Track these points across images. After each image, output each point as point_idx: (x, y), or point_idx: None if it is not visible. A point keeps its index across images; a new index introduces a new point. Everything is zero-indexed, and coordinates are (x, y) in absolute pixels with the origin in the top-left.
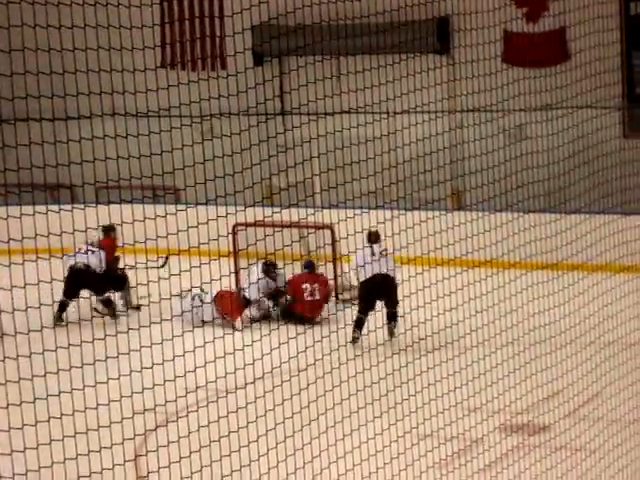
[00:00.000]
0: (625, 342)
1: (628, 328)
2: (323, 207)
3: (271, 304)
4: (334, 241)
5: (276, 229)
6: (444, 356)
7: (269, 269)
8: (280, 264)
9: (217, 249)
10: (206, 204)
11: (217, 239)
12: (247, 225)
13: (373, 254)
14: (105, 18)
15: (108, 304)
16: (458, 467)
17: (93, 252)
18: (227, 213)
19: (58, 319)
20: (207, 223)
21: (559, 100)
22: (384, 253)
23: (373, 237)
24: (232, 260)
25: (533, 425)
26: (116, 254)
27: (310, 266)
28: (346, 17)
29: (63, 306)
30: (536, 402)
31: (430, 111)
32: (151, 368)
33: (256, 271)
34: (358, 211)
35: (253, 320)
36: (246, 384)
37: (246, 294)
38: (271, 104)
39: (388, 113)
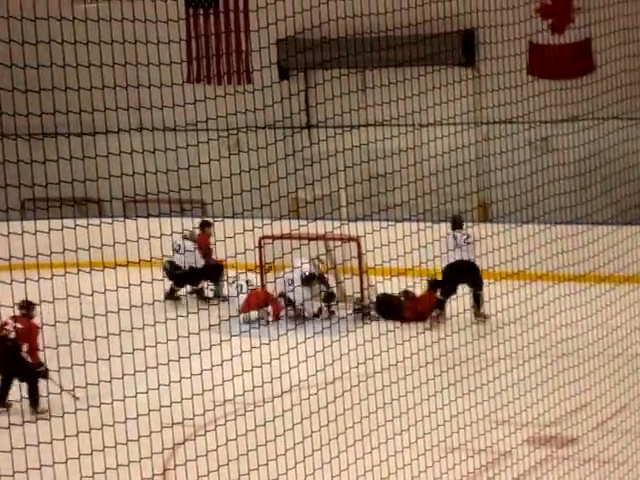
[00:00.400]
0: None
1: None
2: (349, 220)
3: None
4: (360, 254)
5: (302, 242)
6: (471, 369)
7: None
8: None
9: (244, 262)
10: (233, 217)
11: (244, 252)
12: (274, 238)
13: (455, 239)
14: (132, 34)
15: (200, 294)
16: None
17: (180, 251)
18: (254, 227)
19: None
20: (234, 237)
21: (585, 112)
22: (467, 241)
23: (458, 223)
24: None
25: (561, 437)
26: (210, 246)
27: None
28: (371, 30)
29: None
30: (564, 414)
31: (456, 123)
32: (179, 382)
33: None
34: (384, 224)
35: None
36: (274, 397)
37: (290, 296)
38: (297, 118)
39: (414, 125)
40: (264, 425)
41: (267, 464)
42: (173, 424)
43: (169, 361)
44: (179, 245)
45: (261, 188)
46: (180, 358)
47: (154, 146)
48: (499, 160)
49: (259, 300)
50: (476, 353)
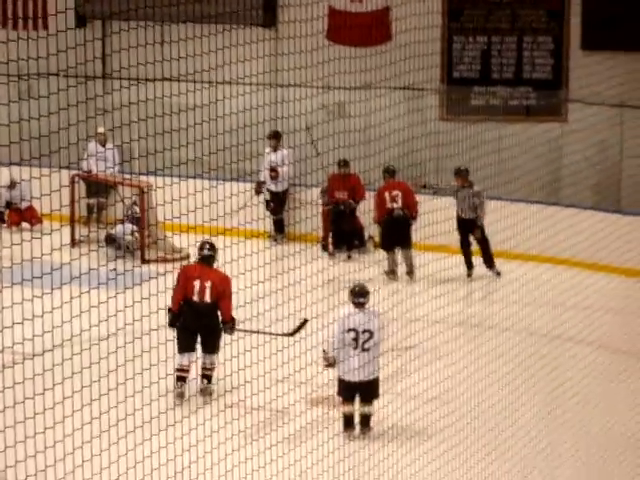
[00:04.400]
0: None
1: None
2: (141, 173)
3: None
4: (143, 202)
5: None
6: (254, 327)
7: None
8: None
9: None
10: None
11: (40, 197)
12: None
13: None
14: None
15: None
16: (263, 437)
17: None
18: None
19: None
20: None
21: (378, 80)
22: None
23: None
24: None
25: (334, 398)
26: None
27: None
28: None
29: None
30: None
31: (252, 83)
32: None
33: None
34: (176, 179)
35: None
36: (44, 351)
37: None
38: (93, 66)
39: (210, 82)
40: (42, 374)
41: (44, 413)
42: None
43: None
44: None
45: (51, 135)
46: None
47: None
48: (293, 123)
49: None
50: (260, 312)
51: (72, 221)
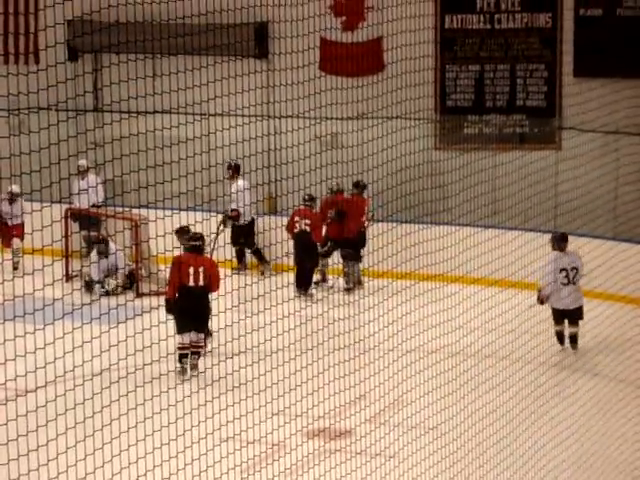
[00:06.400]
0: (425, 349)
1: (429, 336)
2: (132, 206)
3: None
4: (138, 236)
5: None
6: (243, 362)
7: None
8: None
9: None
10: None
11: (31, 233)
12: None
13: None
14: None
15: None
16: (259, 470)
17: None
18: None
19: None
20: (22, 215)
21: (371, 110)
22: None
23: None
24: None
25: (334, 429)
26: None
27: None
28: (165, 17)
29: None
30: (338, 407)
31: (244, 115)
32: None
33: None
34: (169, 212)
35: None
36: (37, 387)
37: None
38: (85, 100)
39: (202, 114)
40: (36, 411)
41: (37, 450)
42: None
43: None
44: None
45: (42, 170)
46: None
47: None
48: (289, 153)
49: None
50: (248, 347)
51: (66, 256)
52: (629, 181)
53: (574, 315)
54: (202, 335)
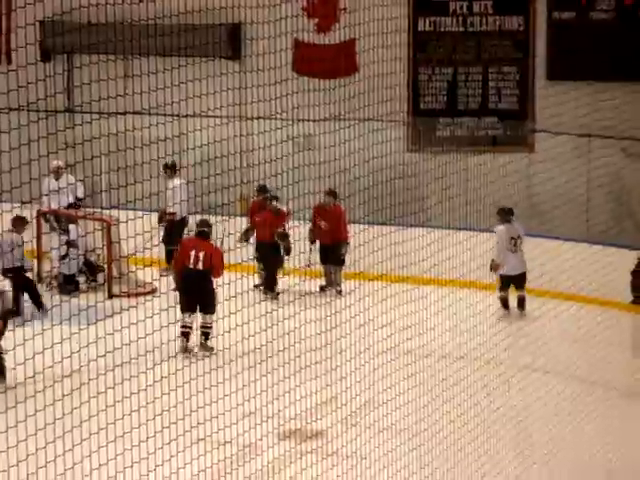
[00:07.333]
0: (398, 351)
1: (402, 337)
2: (103, 207)
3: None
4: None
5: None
6: (221, 362)
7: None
8: None
9: None
10: None
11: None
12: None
13: None
14: None
15: None
16: (231, 472)
17: None
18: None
19: None
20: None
21: (344, 112)
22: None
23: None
24: None
25: (305, 430)
26: None
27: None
28: (138, 18)
29: None
30: (310, 408)
31: (217, 116)
32: None
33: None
34: (140, 213)
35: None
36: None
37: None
38: (58, 101)
39: (175, 115)
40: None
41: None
42: None
43: None
44: None
45: (12, 170)
46: None
47: None
48: (261, 154)
49: None
50: (219, 348)
51: (38, 257)
52: (601, 183)
53: (522, 280)
54: (210, 316)
